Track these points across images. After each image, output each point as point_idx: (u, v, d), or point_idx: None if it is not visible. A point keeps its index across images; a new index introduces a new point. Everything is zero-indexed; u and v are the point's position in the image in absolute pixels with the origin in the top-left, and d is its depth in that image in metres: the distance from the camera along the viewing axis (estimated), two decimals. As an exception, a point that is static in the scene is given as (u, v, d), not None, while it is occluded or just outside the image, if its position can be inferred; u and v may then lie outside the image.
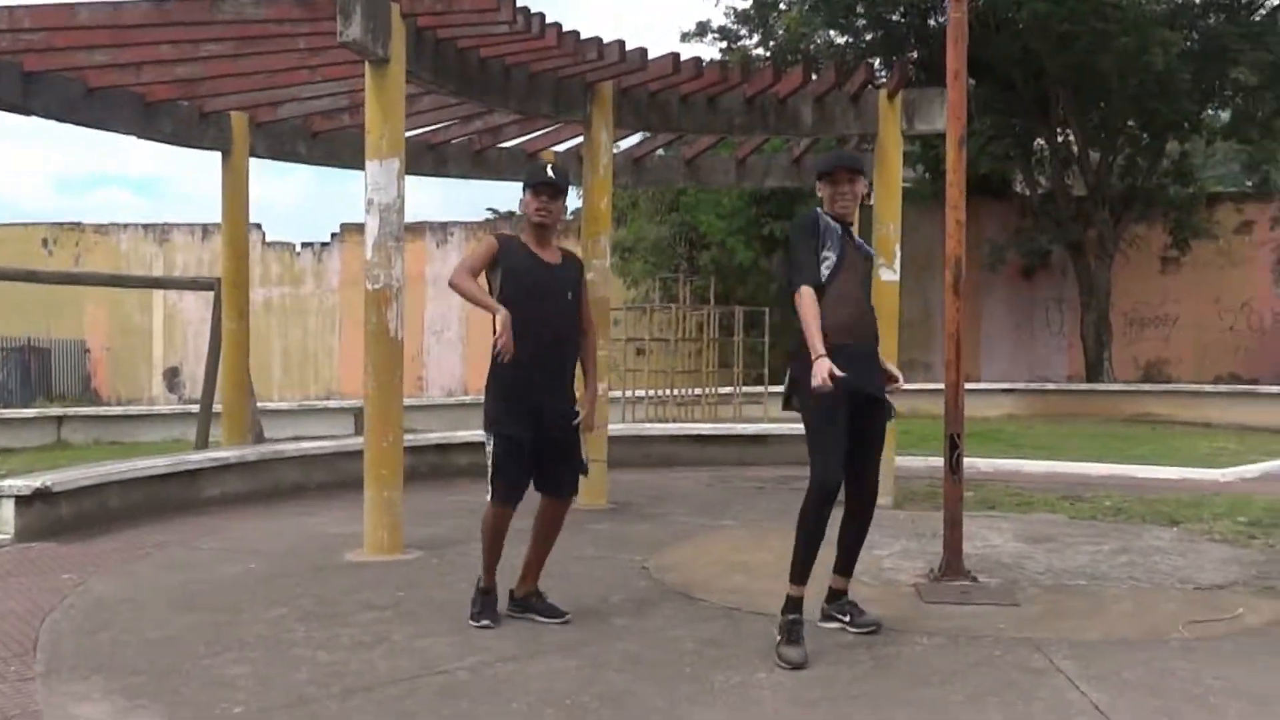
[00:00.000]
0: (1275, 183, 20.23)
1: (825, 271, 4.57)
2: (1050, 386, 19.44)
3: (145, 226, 24.08)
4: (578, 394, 4.97)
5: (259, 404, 12.30)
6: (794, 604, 4.39)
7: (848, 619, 4.73)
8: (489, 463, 4.75)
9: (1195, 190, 20.01)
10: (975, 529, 6.87)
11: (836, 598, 4.81)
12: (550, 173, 4.92)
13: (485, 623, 4.77)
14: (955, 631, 4.76)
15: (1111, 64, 16.49)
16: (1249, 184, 20.95)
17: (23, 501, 6.94)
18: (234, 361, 9.95)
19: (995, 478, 9.80)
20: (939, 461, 6.19)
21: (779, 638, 4.32)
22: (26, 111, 7.99)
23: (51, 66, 7.96)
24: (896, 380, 4.72)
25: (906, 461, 9.55)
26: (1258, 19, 18.37)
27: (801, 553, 4.46)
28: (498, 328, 4.54)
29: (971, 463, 10.00)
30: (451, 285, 4.78)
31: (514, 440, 4.73)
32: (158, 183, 71.02)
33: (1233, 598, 5.34)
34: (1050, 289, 21.47)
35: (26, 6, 7.00)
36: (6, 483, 7.02)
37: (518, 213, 5.12)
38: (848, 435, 4.49)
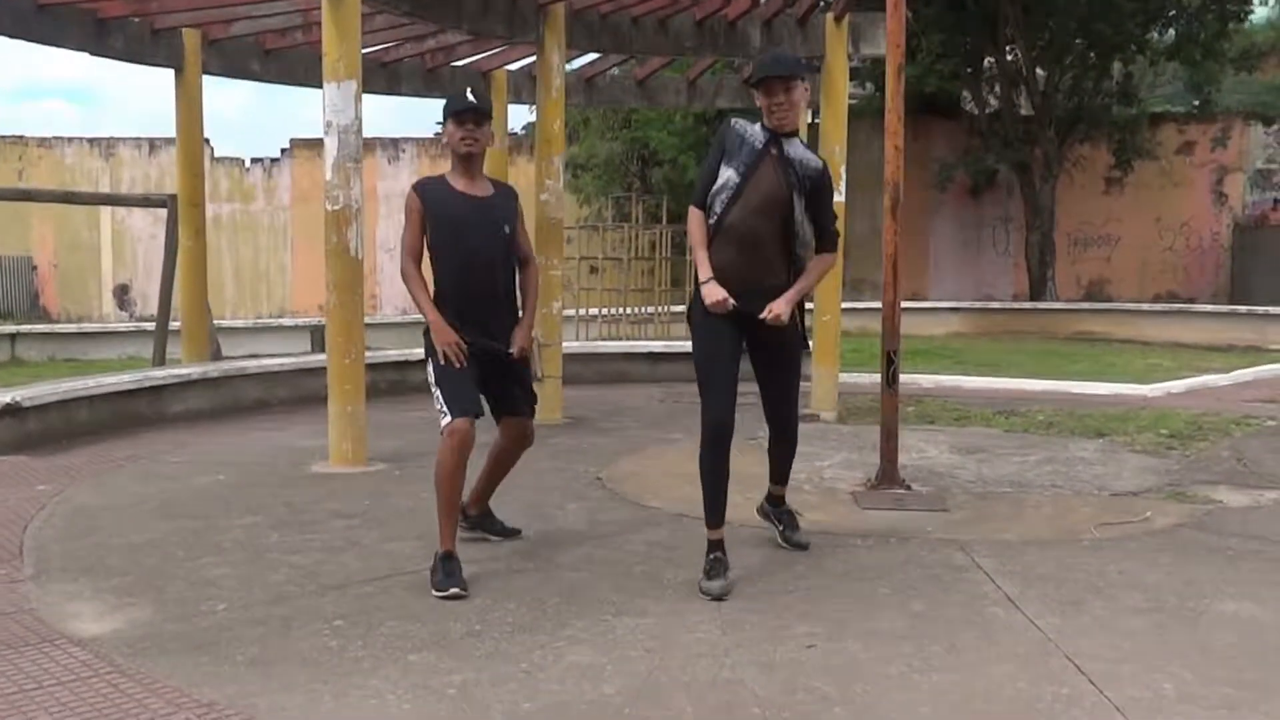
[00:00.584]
0: (1216, 104, 20.62)
1: (721, 199, 4.32)
2: (995, 305, 19.92)
3: (90, 140, 23.67)
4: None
5: (214, 321, 12.46)
6: (712, 545, 4.33)
7: (781, 528, 4.85)
8: (433, 386, 4.49)
9: (1138, 111, 20.38)
10: (913, 441, 7.27)
11: (774, 503, 4.93)
12: (471, 97, 4.53)
13: (453, 590, 4.19)
14: (887, 533, 5.15)
15: (1058, -17, 16.69)
16: (1194, 105, 21.35)
17: (-8, 416, 7.14)
18: (191, 280, 10.09)
19: (936, 393, 10.18)
20: (876, 377, 6.54)
21: (702, 573, 4.28)
22: (-24, 28, 8.01)
23: (2, -17, 7.97)
24: (777, 315, 4.28)
25: (851, 378, 9.93)
26: (1202, -59, 18.62)
27: (707, 495, 4.36)
28: (433, 335, 4.46)
29: (913, 379, 10.46)
30: (403, 277, 4.64)
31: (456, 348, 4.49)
32: (94, 92, 69.17)
33: (1144, 502, 5.77)
34: (997, 208, 21.86)
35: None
36: (-25, 398, 7.20)
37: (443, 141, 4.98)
38: (751, 366, 4.49)
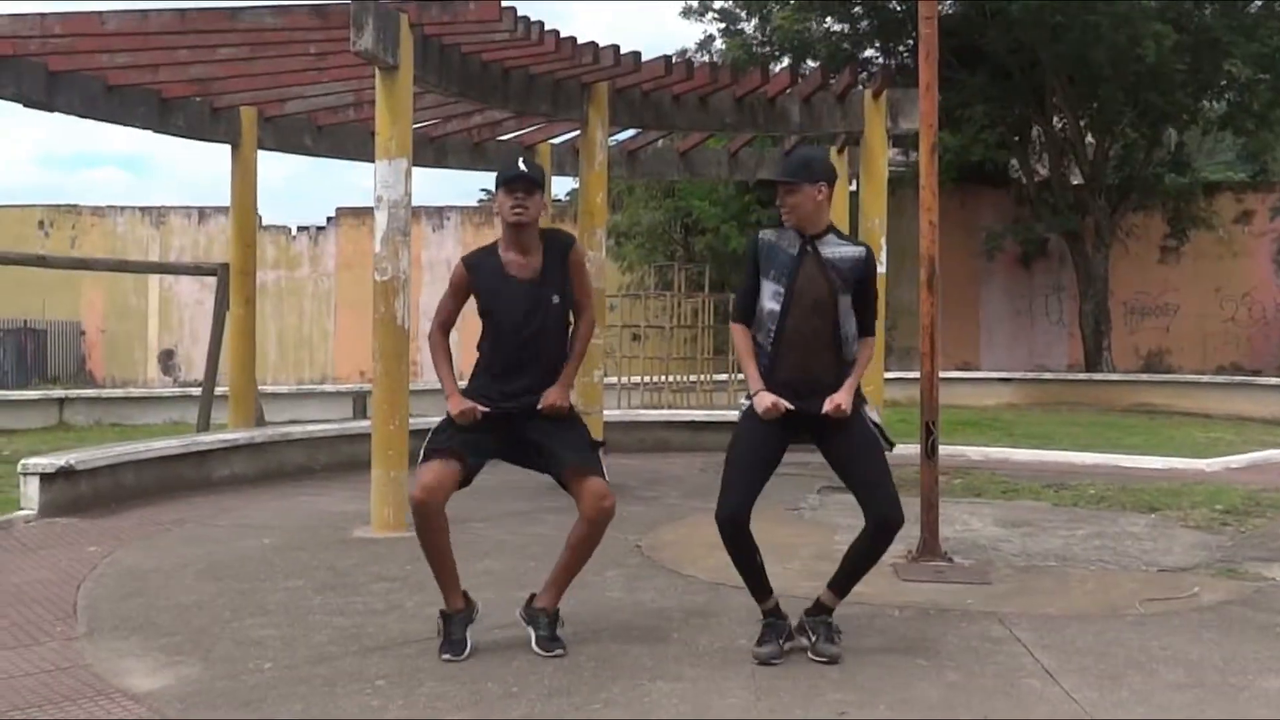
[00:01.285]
0: (1273, 173, 20.69)
1: (773, 306, 4.39)
2: (1048, 375, 19.92)
3: (142, 209, 24.53)
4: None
5: (258, 387, 12.81)
6: (766, 614, 4.48)
7: (814, 639, 4.43)
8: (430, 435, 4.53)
9: (1192, 179, 20.51)
10: (957, 513, 7.36)
11: (817, 611, 4.53)
12: (522, 165, 4.53)
13: (446, 656, 4.35)
14: (926, 606, 5.24)
15: (1104, 56, 16.94)
16: (1246, 174, 21.44)
17: (46, 479, 7.44)
18: (240, 346, 10.45)
19: (983, 465, 10.23)
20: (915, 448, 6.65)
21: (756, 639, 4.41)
22: (49, 108, 8.49)
23: (75, 67, 8.46)
24: (838, 405, 4.33)
25: (900, 449, 9.98)
26: (1251, 11, 18.82)
27: (742, 577, 4.52)
28: (448, 405, 4.50)
29: (961, 450, 10.55)
30: (429, 343, 4.79)
31: (472, 397, 4.53)
32: (145, 160, 71.19)
33: (1192, 578, 5.82)
34: (1049, 277, 21.96)
35: (58, 14, 7.48)
36: (32, 460, 7.51)
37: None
38: (834, 471, 4.54)
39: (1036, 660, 4.41)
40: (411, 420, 8.68)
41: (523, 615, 4.62)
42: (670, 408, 13.55)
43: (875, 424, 4.50)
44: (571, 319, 4.74)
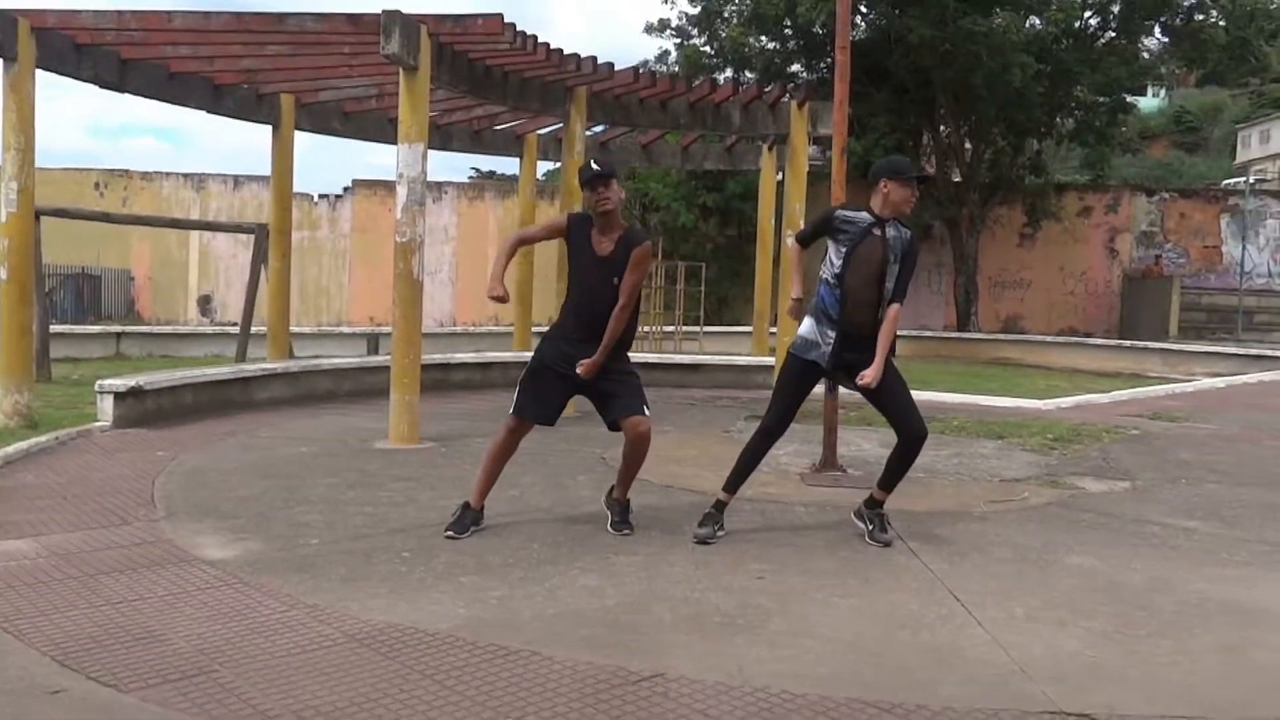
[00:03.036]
0: (1108, 176, 21.27)
1: (835, 272, 4.60)
2: (928, 334, 20.35)
3: (184, 175, 24.11)
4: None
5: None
6: (718, 503, 4.75)
7: (870, 528, 4.74)
8: (518, 385, 4.77)
9: (1046, 181, 21.03)
10: (851, 438, 7.70)
11: (872, 505, 4.83)
12: (595, 165, 4.65)
13: (450, 533, 4.61)
14: (825, 503, 5.61)
15: (982, 79, 17.28)
16: (1088, 178, 22.04)
17: (119, 396, 7.57)
18: (278, 294, 10.56)
19: (865, 403, 10.58)
20: (819, 389, 6.97)
21: (698, 522, 4.72)
22: (120, 89, 8.47)
23: (144, 56, 8.46)
24: (869, 382, 4.58)
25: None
26: (1097, 47, 19.24)
27: (735, 470, 4.74)
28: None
29: (842, 394, 10.88)
30: (504, 242, 4.84)
31: (542, 362, 4.74)
32: (180, 133, 69.52)
33: (1024, 487, 6.24)
34: (931, 256, 22.31)
35: (132, 11, 7.49)
36: (107, 381, 7.63)
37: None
38: (868, 398, 4.74)
39: (905, 543, 4.78)
40: (429, 356, 8.93)
41: (605, 503, 5.00)
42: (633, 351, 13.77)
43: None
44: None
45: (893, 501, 5.60)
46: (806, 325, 4.72)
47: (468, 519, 4.79)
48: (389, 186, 22.59)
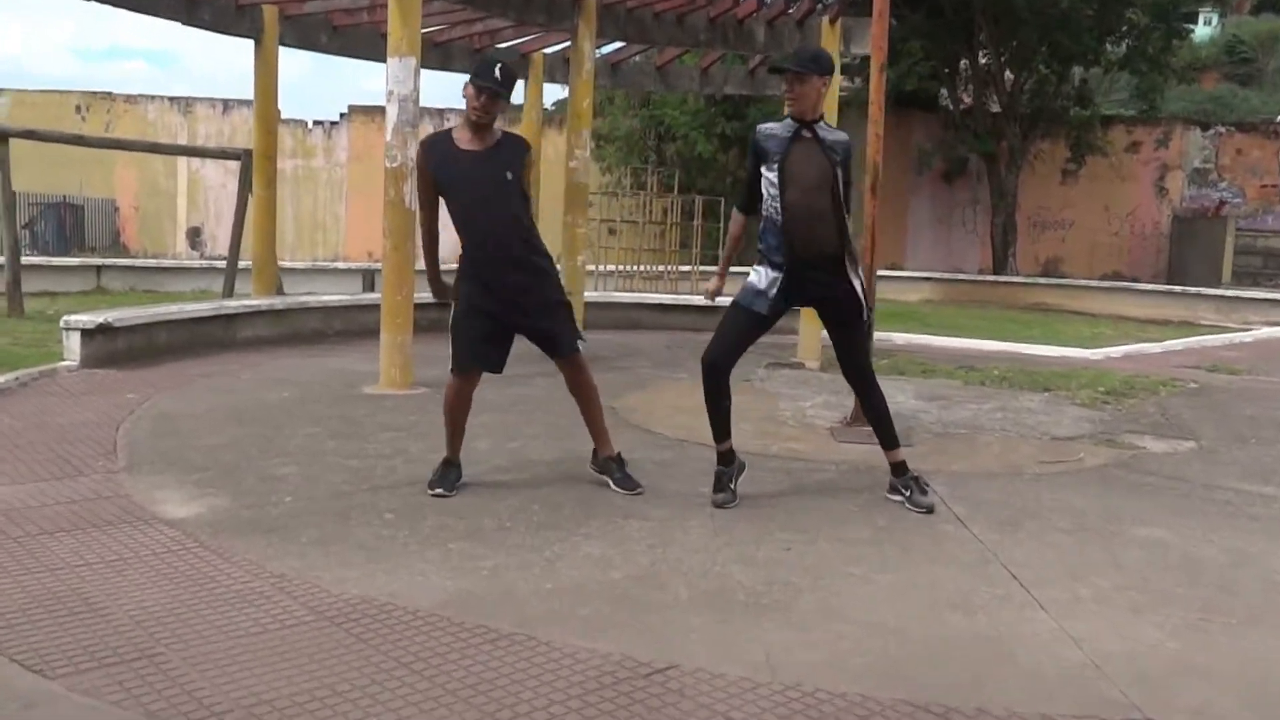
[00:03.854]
0: (1160, 109, 20.52)
1: (772, 193, 4.26)
2: (962, 276, 19.95)
3: (171, 99, 23.61)
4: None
5: (278, 263, 12.54)
6: (720, 457, 4.42)
7: (907, 494, 4.41)
8: (449, 332, 4.41)
9: (1092, 113, 20.34)
10: (884, 389, 7.29)
11: (896, 471, 4.50)
12: (497, 74, 4.21)
13: (438, 491, 4.34)
14: (857, 463, 5.25)
15: (1025, 1, 16.60)
16: (1140, 109, 21.29)
17: (86, 334, 7.24)
18: (263, 224, 10.18)
19: (906, 349, 10.21)
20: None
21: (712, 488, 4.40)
22: (84, -6, 8.03)
23: (108, -47, 7.99)
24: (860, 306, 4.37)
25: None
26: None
27: (710, 418, 4.43)
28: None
29: (888, 336, 10.53)
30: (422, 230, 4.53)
31: (471, 303, 4.34)
32: (171, 55, 68.49)
33: (1078, 446, 5.88)
34: (967, 192, 21.84)
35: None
36: (73, 317, 7.31)
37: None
38: (829, 332, 4.50)
39: (949, 509, 4.43)
40: (424, 295, 8.56)
41: (594, 468, 4.64)
42: (640, 292, 13.43)
43: (860, 292, 4.42)
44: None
45: (933, 461, 5.32)
46: (754, 273, 4.41)
47: (453, 475, 4.49)
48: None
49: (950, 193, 22.10)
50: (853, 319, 4.44)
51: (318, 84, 58.69)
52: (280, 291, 10.81)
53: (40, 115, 20.44)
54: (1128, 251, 21.42)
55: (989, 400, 7.38)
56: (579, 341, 4.52)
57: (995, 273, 19.96)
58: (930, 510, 4.34)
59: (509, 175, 4.31)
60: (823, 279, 4.33)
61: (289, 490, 4.40)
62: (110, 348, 7.46)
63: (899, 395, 7.37)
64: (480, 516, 4.10)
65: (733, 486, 4.40)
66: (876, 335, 6.54)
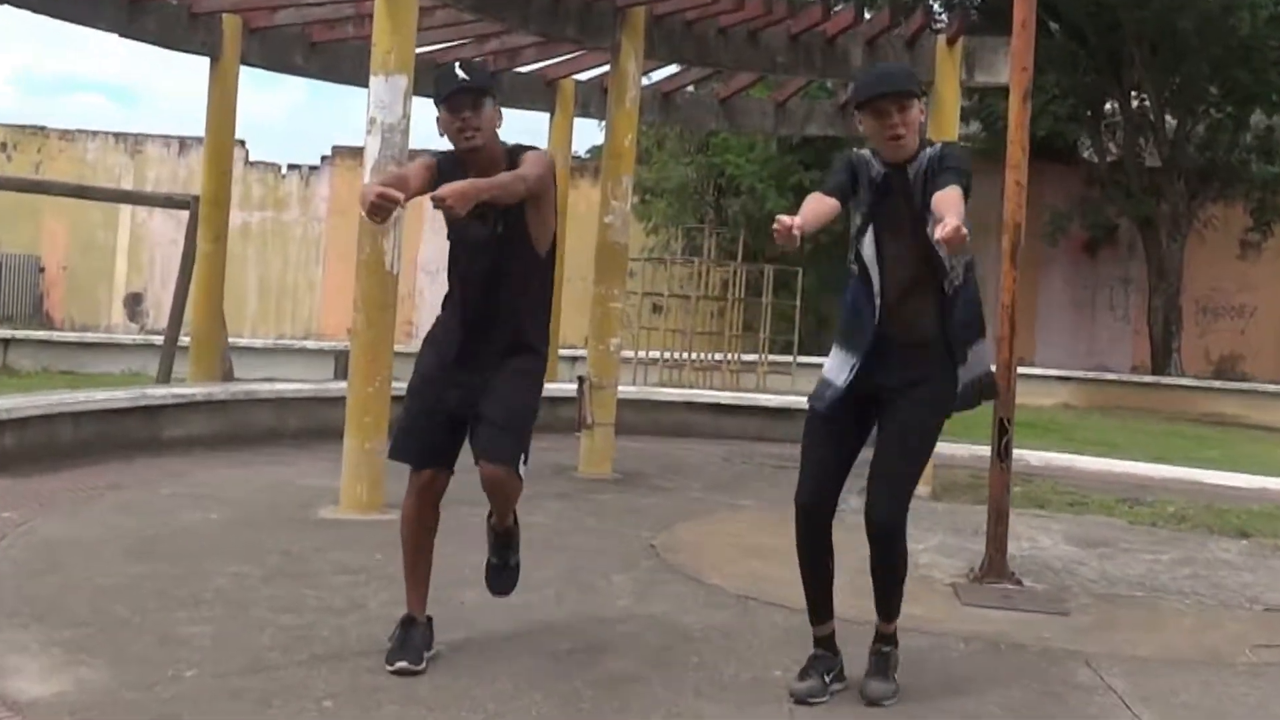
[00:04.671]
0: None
1: (861, 225, 3.92)
2: (1110, 376, 19.41)
3: (116, 135, 23.96)
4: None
5: (230, 339, 12.31)
6: (817, 641, 3.98)
7: (866, 671, 3.94)
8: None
9: (1281, 169, 19.92)
10: (1021, 528, 6.83)
11: (877, 637, 4.05)
12: (460, 73, 3.88)
13: (400, 664, 3.85)
14: (995, 638, 4.73)
15: (1193, 24, 16.39)
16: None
17: (-38, 430, 6.95)
18: (207, 288, 9.98)
19: (1045, 473, 9.76)
20: (983, 450, 6.16)
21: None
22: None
23: (29, -48, 7.92)
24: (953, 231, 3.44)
25: (947, 449, 9.48)
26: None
27: (805, 586, 4.02)
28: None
29: (1020, 455, 9.92)
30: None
31: (424, 376, 4.07)
32: (137, 90, 70.63)
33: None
34: (1116, 267, 21.41)
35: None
36: (-52, 407, 7.02)
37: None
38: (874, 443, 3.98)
39: (1136, 717, 3.88)
40: (401, 384, 8.18)
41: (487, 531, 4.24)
42: (691, 387, 13.01)
43: (973, 382, 3.96)
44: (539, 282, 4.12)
45: (1101, 639, 4.80)
46: (826, 362, 4.04)
47: (417, 639, 3.98)
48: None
49: (1093, 267, 21.68)
50: (902, 421, 3.90)
51: (307, 123, 59.91)
52: (230, 377, 10.54)
53: (-43, 152, 20.84)
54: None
55: (1167, 548, 6.85)
56: (521, 465, 3.97)
57: (1154, 372, 19.47)
58: (876, 703, 3.83)
59: (499, 228, 3.92)
60: (898, 367, 3.89)
61: (193, 660, 3.94)
62: (-5, 447, 7.14)
63: (1043, 538, 6.88)
64: (457, 708, 3.61)
65: (829, 680, 3.88)
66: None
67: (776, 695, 3.86)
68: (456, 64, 3.98)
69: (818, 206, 3.77)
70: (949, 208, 3.54)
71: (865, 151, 3.98)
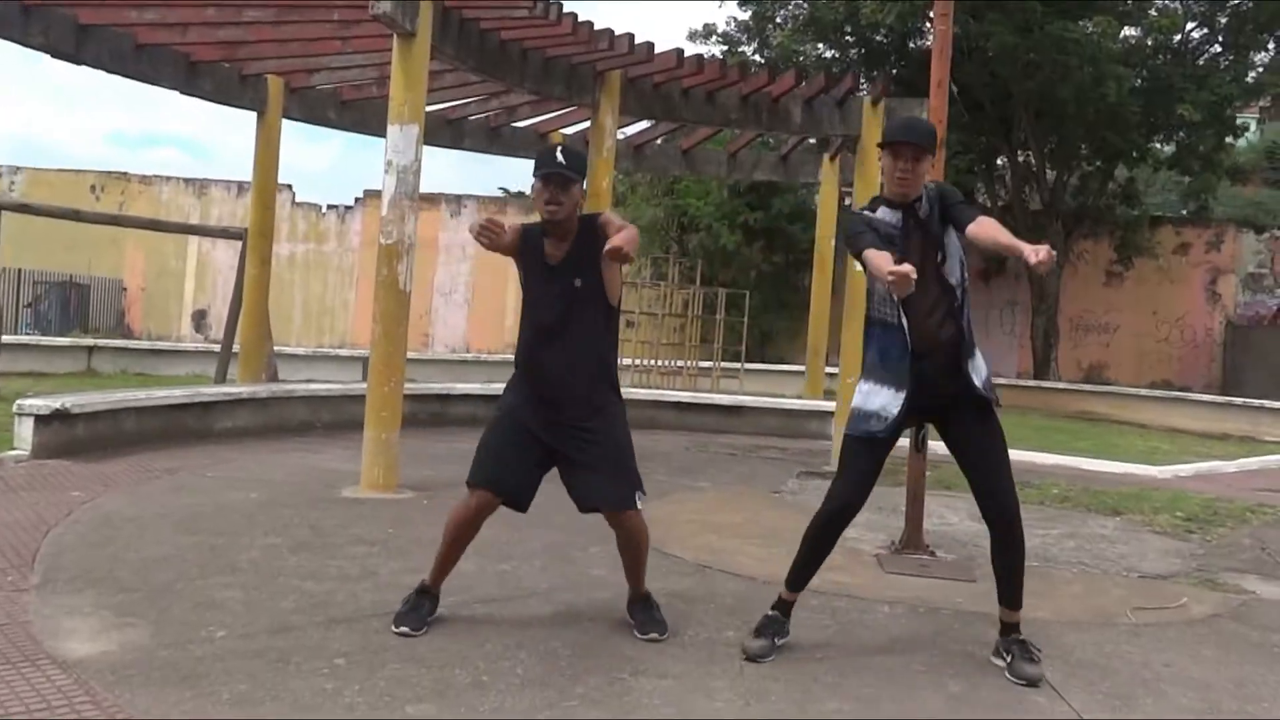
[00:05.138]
0: (1211, 211, 19.92)
1: (882, 291, 3.62)
2: (1001, 380, 19.05)
3: (186, 180, 23.52)
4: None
5: (276, 347, 11.98)
6: (779, 603, 3.75)
7: (1008, 659, 3.62)
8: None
9: (1139, 213, 19.78)
10: (933, 507, 6.55)
11: (1005, 630, 3.72)
12: (560, 156, 3.64)
13: (404, 629, 3.61)
14: (914, 602, 4.49)
15: (1070, 94, 16.20)
16: (1185, 211, 20.74)
17: (41, 421, 6.62)
18: (254, 304, 9.63)
19: (951, 461, 9.48)
20: (902, 440, 5.90)
21: (752, 630, 3.73)
22: (78, 61, 7.67)
23: (104, 20, 7.61)
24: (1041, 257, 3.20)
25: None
26: (1201, 62, 18.09)
27: (798, 559, 3.75)
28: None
29: (932, 446, 9.74)
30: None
31: (511, 412, 3.72)
32: (205, 145, 69.86)
33: (1175, 587, 5.07)
34: (1006, 292, 21.21)
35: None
36: (27, 402, 6.69)
37: (528, 194, 4.08)
38: (952, 450, 3.77)
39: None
40: (415, 385, 7.95)
41: (627, 608, 3.90)
42: (658, 388, 12.74)
43: (987, 378, 3.72)
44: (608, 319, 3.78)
45: (979, 602, 4.47)
46: (859, 393, 3.73)
47: (425, 607, 3.74)
48: (422, 199, 21.77)
49: (988, 293, 21.48)
50: (987, 427, 3.68)
51: (347, 169, 59.39)
52: (274, 379, 10.21)
53: (56, 194, 20.31)
54: (1178, 359, 20.61)
55: (1055, 524, 6.60)
56: (638, 495, 3.73)
57: (1036, 378, 19.18)
58: (1034, 682, 3.50)
59: (577, 283, 3.66)
60: (945, 384, 3.64)
61: (224, 621, 3.66)
62: (68, 436, 6.82)
63: (951, 515, 6.64)
64: (452, 666, 3.35)
65: (776, 640, 3.64)
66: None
67: (729, 655, 3.61)
68: (559, 148, 3.70)
69: (886, 254, 3.47)
70: (1001, 231, 3.44)
71: (863, 210, 3.72)
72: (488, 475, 3.68)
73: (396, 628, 3.63)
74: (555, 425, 3.69)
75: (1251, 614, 4.65)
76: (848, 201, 9.35)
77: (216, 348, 13.57)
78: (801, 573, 3.76)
